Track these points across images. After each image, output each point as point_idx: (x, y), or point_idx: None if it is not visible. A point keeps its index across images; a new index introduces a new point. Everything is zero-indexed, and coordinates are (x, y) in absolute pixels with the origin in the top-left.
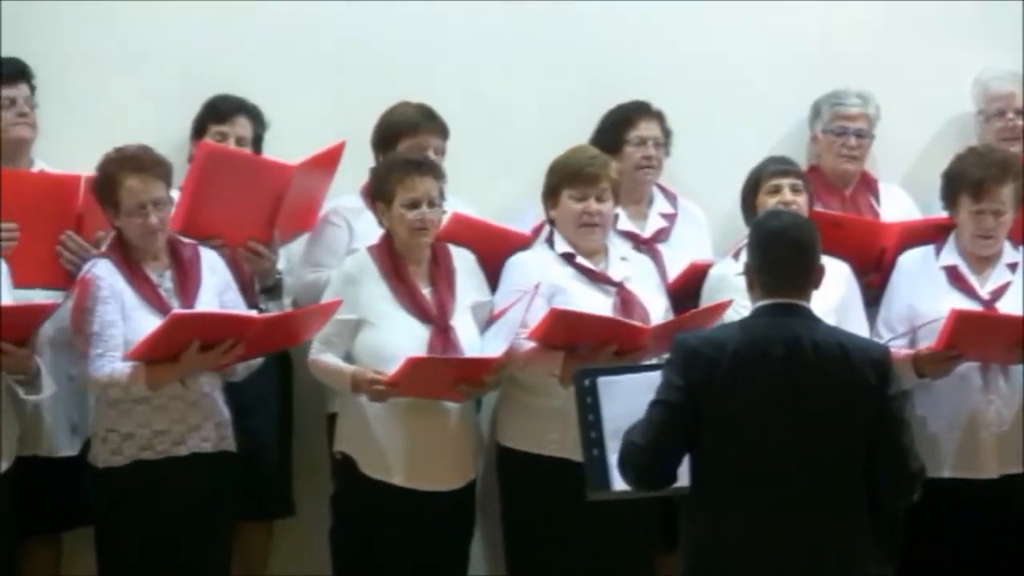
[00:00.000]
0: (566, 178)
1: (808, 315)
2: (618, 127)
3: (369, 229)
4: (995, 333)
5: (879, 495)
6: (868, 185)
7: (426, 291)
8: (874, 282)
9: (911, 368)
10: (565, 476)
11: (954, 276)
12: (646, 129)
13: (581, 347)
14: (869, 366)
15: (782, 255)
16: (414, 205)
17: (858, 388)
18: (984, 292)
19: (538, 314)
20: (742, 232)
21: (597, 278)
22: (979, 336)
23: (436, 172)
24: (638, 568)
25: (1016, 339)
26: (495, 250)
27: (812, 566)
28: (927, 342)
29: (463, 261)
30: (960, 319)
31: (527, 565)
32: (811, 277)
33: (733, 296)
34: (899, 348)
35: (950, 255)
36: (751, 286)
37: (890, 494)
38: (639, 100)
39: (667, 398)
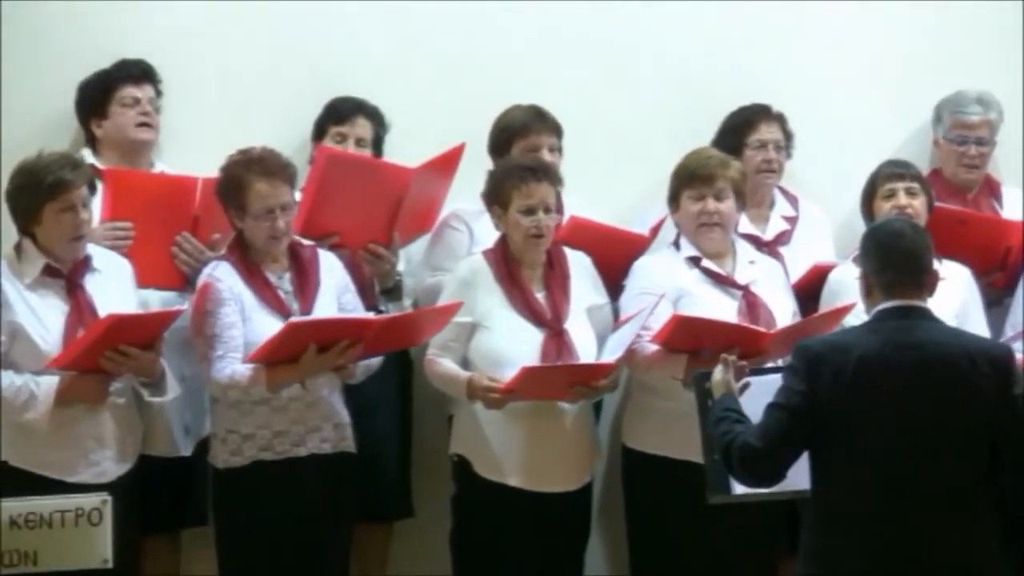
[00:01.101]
0: (684, 180)
1: (930, 316)
2: (738, 130)
3: (489, 232)
4: None
5: (1010, 498)
6: (991, 188)
7: (540, 295)
8: (998, 281)
9: None
10: (690, 478)
11: None
12: (767, 132)
13: (704, 351)
14: (991, 366)
15: (900, 258)
16: (530, 212)
17: (981, 389)
18: None
19: (662, 317)
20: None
21: (723, 281)
22: None
23: (552, 178)
24: (761, 570)
25: None
26: (613, 252)
27: (933, 572)
28: None
29: (579, 264)
30: None
31: (652, 566)
32: (928, 279)
33: (853, 299)
34: None
35: None
36: (868, 292)
37: (1018, 496)
38: (760, 103)
39: (788, 402)
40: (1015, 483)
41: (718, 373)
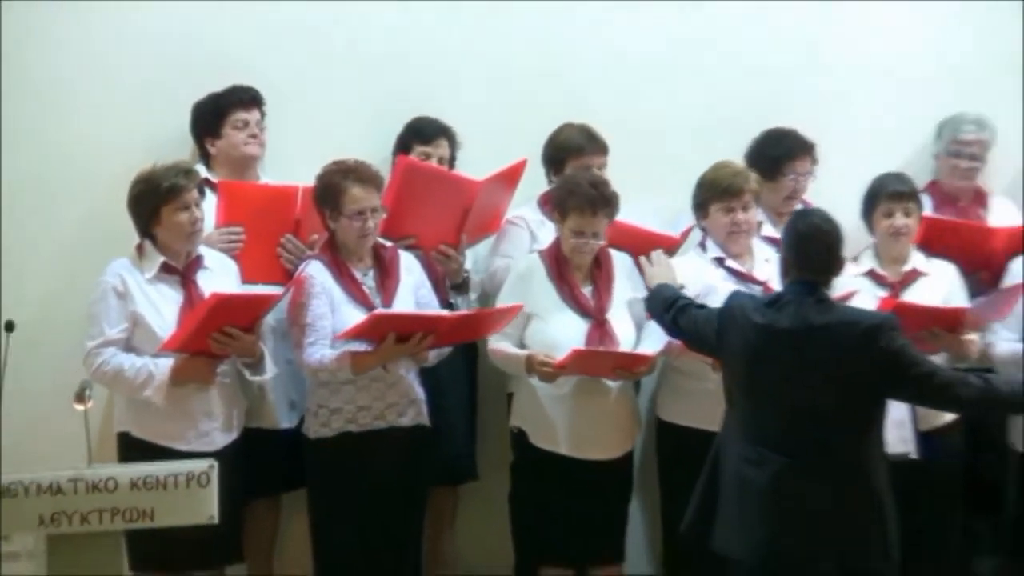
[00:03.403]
0: (715, 193)
1: (822, 296)
2: (778, 161)
3: (548, 236)
4: None
5: (918, 401)
6: (980, 198)
7: (587, 290)
8: (986, 278)
9: None
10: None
11: None
12: (802, 167)
13: None
14: (868, 333)
15: (812, 246)
16: (581, 235)
17: (858, 351)
18: None
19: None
20: (864, 240)
21: (744, 277)
22: None
23: (610, 210)
24: None
25: None
26: (648, 250)
27: (812, 502)
28: None
29: (622, 263)
30: None
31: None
32: (833, 264)
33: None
34: (1017, 347)
35: None
36: (785, 272)
37: (920, 402)
38: (799, 136)
39: (700, 316)
40: (908, 398)
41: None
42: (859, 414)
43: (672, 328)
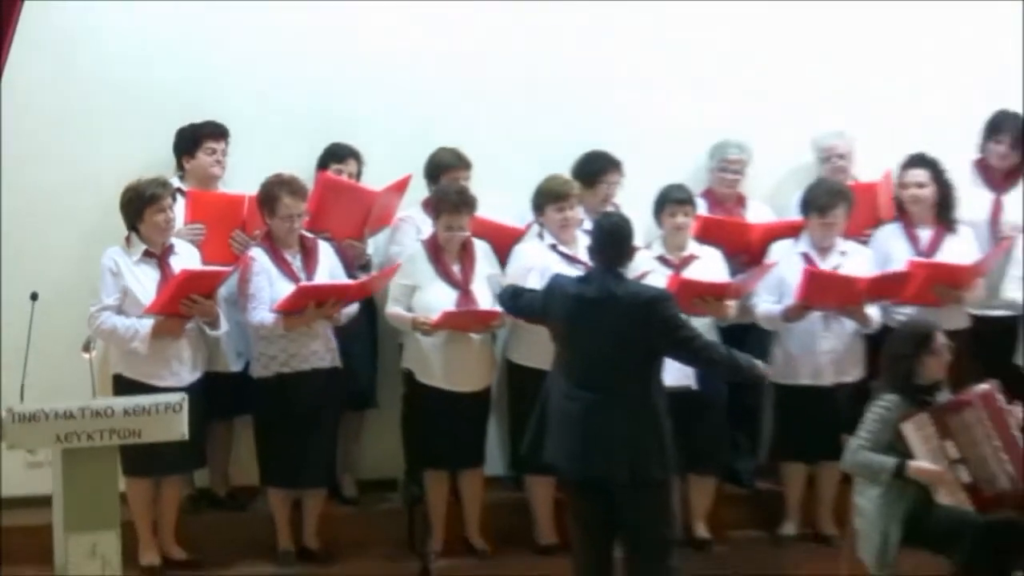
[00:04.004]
0: (549, 197)
1: (621, 275)
2: (595, 174)
3: (428, 229)
4: (833, 289)
5: (684, 362)
6: (741, 201)
7: (456, 268)
8: (744, 260)
9: (780, 318)
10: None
11: (807, 258)
12: (612, 178)
13: None
14: (648, 303)
15: (611, 239)
16: (450, 228)
17: (638, 317)
18: (825, 268)
19: (535, 285)
20: (653, 232)
21: (571, 259)
22: (823, 291)
23: (471, 211)
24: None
25: (847, 296)
26: (502, 240)
27: (609, 427)
28: (787, 300)
29: (481, 248)
30: (810, 275)
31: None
32: (627, 253)
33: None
34: (771, 308)
35: (804, 245)
36: (593, 256)
37: (685, 361)
38: (612, 157)
39: (532, 295)
40: (677, 358)
41: None
42: (644, 362)
43: (513, 309)
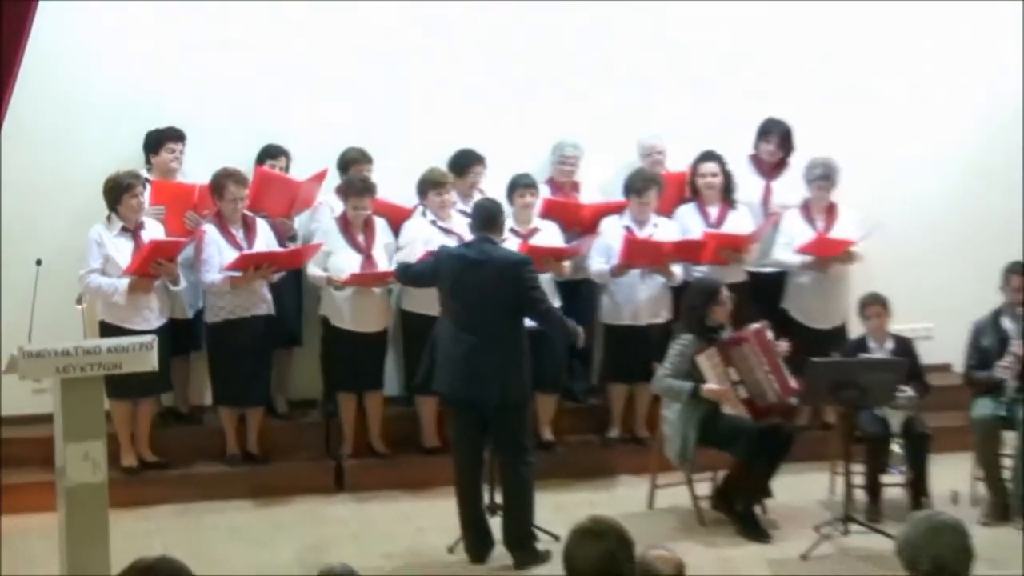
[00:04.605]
0: (430, 185)
1: (495, 241)
2: (465, 167)
3: (340, 209)
4: (647, 252)
5: (536, 320)
6: (575, 187)
7: (360, 238)
8: (577, 232)
9: (609, 274)
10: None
11: (628, 229)
12: (477, 170)
13: None
14: (515, 264)
15: (485, 215)
16: (356, 208)
17: (506, 278)
18: (641, 236)
19: (422, 250)
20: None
21: (448, 231)
22: (639, 254)
23: (372, 195)
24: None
25: (657, 258)
26: (396, 217)
27: (484, 362)
28: (613, 261)
29: (380, 223)
30: (629, 242)
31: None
32: (499, 225)
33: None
34: (601, 267)
35: (626, 219)
36: (472, 229)
37: (536, 320)
38: (478, 153)
39: (425, 263)
40: (525, 312)
41: None
42: (512, 311)
43: (407, 280)
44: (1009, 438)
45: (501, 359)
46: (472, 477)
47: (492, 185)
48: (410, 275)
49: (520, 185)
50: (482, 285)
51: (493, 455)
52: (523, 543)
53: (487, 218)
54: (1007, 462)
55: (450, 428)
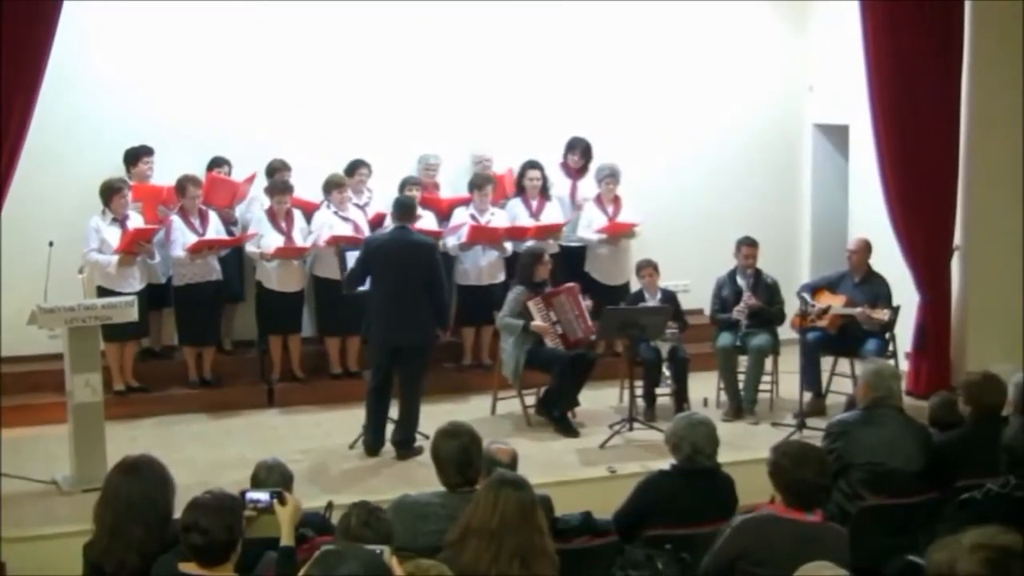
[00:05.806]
0: (333, 185)
1: (409, 230)
2: (353, 170)
3: (267, 203)
4: (487, 233)
5: (434, 294)
6: (437, 186)
7: (283, 224)
8: (442, 217)
9: (459, 249)
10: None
11: (472, 217)
12: (363, 172)
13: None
14: (426, 248)
15: (402, 209)
16: (280, 203)
17: (420, 258)
18: (482, 222)
19: (328, 234)
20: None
21: (346, 219)
22: (480, 234)
23: (290, 192)
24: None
25: (493, 237)
26: (307, 208)
27: (410, 325)
28: (463, 240)
29: (296, 213)
30: (473, 228)
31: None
32: (414, 215)
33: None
34: (455, 243)
35: (471, 209)
36: (392, 219)
37: (433, 293)
38: (365, 161)
39: (361, 259)
40: (432, 293)
41: None
42: (422, 282)
43: (350, 284)
44: (742, 360)
45: (418, 316)
46: (382, 395)
47: (376, 184)
48: (351, 279)
49: (408, 183)
50: (402, 263)
51: (401, 380)
52: (407, 443)
53: (405, 210)
54: (741, 377)
55: (374, 363)
